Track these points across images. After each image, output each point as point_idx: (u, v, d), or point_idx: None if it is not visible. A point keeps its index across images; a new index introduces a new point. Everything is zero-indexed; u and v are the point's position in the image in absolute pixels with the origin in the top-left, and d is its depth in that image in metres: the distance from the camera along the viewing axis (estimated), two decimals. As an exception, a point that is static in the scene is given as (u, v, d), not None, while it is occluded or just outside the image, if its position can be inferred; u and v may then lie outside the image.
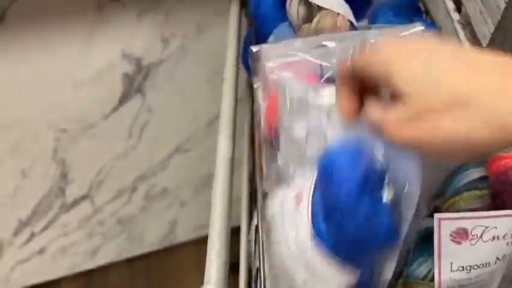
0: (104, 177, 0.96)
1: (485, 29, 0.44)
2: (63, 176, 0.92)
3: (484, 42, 0.45)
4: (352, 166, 0.26)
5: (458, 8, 0.53)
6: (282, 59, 0.39)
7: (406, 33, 0.40)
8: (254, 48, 0.40)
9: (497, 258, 0.32)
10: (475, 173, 0.34)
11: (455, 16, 0.52)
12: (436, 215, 0.31)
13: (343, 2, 0.49)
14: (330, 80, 0.40)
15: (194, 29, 0.78)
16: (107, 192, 1.00)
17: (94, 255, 1.12)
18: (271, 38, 0.50)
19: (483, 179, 0.33)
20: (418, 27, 0.40)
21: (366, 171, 0.26)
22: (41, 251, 1.05)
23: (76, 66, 0.76)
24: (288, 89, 0.33)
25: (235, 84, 0.46)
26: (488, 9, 0.44)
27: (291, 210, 0.30)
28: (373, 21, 0.49)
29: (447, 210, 0.33)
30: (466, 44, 0.48)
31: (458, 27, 0.51)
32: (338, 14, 0.47)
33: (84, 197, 0.99)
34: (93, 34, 0.73)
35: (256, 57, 0.41)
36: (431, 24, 0.52)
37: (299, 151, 0.34)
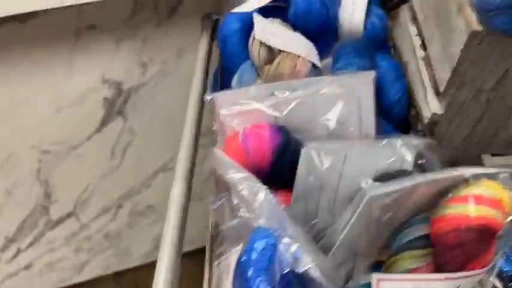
0: (88, 195, 0.97)
1: (444, 74, 0.44)
2: (47, 195, 0.93)
3: (442, 86, 0.45)
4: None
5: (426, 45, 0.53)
6: (236, 107, 0.40)
7: (359, 79, 0.40)
8: (208, 96, 0.41)
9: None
10: (417, 231, 0.34)
11: (420, 53, 0.52)
12: (374, 275, 0.32)
13: (306, 42, 0.50)
14: (283, 129, 0.40)
15: (174, 54, 0.78)
16: (92, 209, 1.01)
17: (81, 270, 1.13)
18: (235, 77, 0.51)
19: (426, 237, 0.33)
20: (370, 76, 0.40)
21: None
22: (28, 267, 1.06)
23: (57, 91, 0.77)
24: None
25: (196, 125, 0.47)
26: (446, 54, 0.44)
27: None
28: (335, 61, 0.49)
29: (389, 269, 0.33)
30: (428, 84, 0.48)
31: (422, 64, 0.51)
32: (299, 56, 0.47)
33: (69, 215, 0.99)
34: (72, 60, 0.73)
35: (212, 103, 0.41)
36: (396, 64, 0.51)
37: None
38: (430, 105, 0.47)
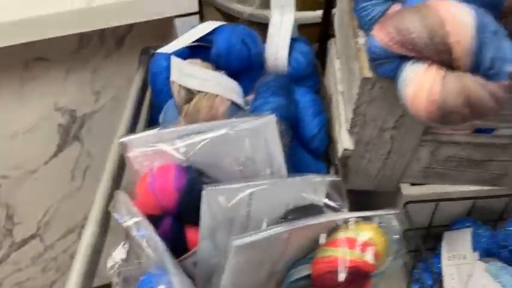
0: (51, 217, 0.99)
1: (349, 112, 0.47)
2: (9, 218, 0.95)
3: (347, 125, 0.47)
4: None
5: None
6: (144, 150, 0.42)
7: (263, 121, 0.42)
8: (122, 139, 0.43)
9: None
10: (303, 271, 0.36)
11: (340, 88, 0.54)
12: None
13: (227, 81, 0.52)
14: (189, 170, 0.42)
15: (125, 81, 0.80)
16: (56, 230, 1.02)
17: (51, 289, 1.15)
18: (161, 114, 0.53)
19: (309, 276, 0.36)
20: (273, 118, 0.42)
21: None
22: (-2, 286, 1.07)
23: (10, 119, 0.79)
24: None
25: (116, 167, 0.49)
26: (349, 94, 0.47)
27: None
28: (254, 99, 0.51)
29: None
30: (343, 120, 0.51)
31: (340, 99, 0.53)
32: (217, 95, 0.49)
33: (33, 236, 1.01)
34: (23, 90, 0.75)
35: (124, 145, 0.43)
36: (315, 99, 0.54)
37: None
38: (343, 141, 0.50)
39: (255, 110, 0.50)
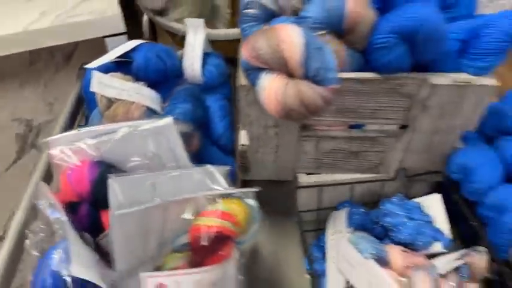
0: (15, 220, 1.07)
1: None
2: (-25, 221, 1.03)
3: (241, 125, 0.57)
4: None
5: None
6: (64, 147, 0.51)
7: (163, 122, 0.52)
8: (46, 139, 0.52)
9: (192, 303, 0.44)
10: (182, 239, 0.45)
11: (244, 95, 0.64)
12: (141, 274, 0.43)
13: (145, 90, 0.61)
14: (101, 164, 0.51)
15: (75, 93, 0.90)
16: (22, 232, 1.10)
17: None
18: (90, 119, 0.62)
19: (188, 243, 0.45)
20: (170, 120, 0.52)
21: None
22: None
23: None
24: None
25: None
26: (238, 97, 0.56)
27: None
28: (167, 105, 0.61)
29: (160, 268, 0.45)
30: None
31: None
32: (133, 102, 0.59)
33: (0, 238, 1.09)
34: (-21, 102, 0.84)
35: (47, 144, 0.52)
36: (222, 105, 0.63)
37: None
38: (241, 138, 0.60)
39: (166, 114, 0.59)
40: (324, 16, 0.49)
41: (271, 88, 0.45)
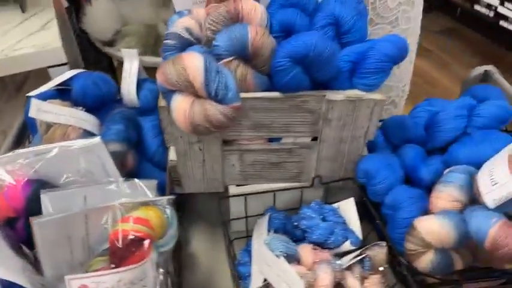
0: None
1: (167, 132, 0.63)
2: None
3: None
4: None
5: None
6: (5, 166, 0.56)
7: (92, 141, 0.58)
8: (-15, 161, 0.57)
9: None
10: (105, 244, 0.50)
11: (176, 116, 0.71)
12: (66, 277, 0.48)
13: (83, 115, 0.67)
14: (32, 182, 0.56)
15: (29, 120, 0.95)
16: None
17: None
18: (32, 143, 0.68)
19: (111, 247, 0.50)
20: (97, 140, 0.58)
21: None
22: None
23: None
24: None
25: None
26: (166, 119, 0.63)
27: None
28: (103, 127, 0.67)
29: (87, 271, 0.50)
30: (171, 139, 0.67)
31: (174, 124, 0.69)
32: (70, 125, 0.65)
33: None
34: None
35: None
36: (155, 125, 0.70)
37: None
38: (170, 154, 0.66)
39: (102, 136, 0.65)
40: (230, 44, 0.56)
41: (180, 107, 0.52)
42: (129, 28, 0.97)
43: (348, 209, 0.68)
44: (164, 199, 0.52)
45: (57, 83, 0.69)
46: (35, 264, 0.53)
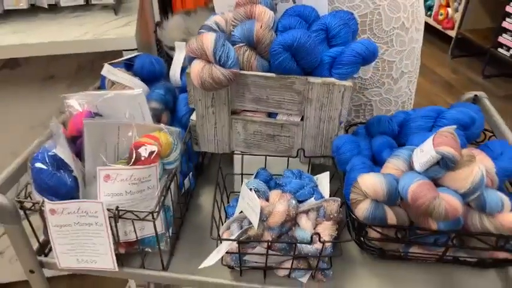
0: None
1: (191, 97, 0.85)
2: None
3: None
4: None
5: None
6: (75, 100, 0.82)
7: (135, 92, 0.81)
8: (65, 94, 0.83)
9: (126, 191, 0.69)
10: (127, 153, 0.72)
11: (204, 93, 0.93)
12: (97, 167, 0.70)
13: (135, 81, 0.92)
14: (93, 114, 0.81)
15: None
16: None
17: None
18: (100, 97, 0.93)
19: (131, 156, 0.72)
20: (139, 92, 0.81)
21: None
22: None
23: None
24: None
25: None
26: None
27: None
28: (150, 92, 0.91)
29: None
30: (195, 106, 0.88)
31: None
32: (125, 86, 0.90)
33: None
34: None
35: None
36: (186, 97, 0.93)
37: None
38: (192, 116, 0.87)
39: (147, 96, 0.89)
40: (242, 34, 0.78)
41: (195, 67, 0.74)
42: (192, 38, 1.24)
43: (324, 179, 0.83)
44: (173, 129, 0.73)
45: (125, 58, 0.96)
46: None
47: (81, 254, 0.73)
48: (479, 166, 0.64)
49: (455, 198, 0.63)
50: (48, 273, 0.83)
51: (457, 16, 3.79)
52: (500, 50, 3.30)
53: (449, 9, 3.91)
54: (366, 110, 1.04)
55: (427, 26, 4.18)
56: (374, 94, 1.01)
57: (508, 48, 3.23)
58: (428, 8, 4.12)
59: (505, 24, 3.22)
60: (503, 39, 3.26)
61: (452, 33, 3.85)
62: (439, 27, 4.00)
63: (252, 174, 0.84)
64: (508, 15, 3.19)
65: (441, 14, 3.97)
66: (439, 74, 3.56)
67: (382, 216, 0.69)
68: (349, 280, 0.76)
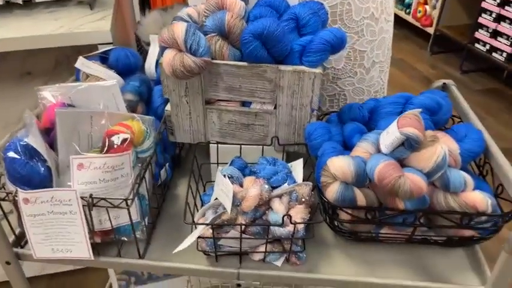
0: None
1: (165, 87, 0.86)
2: None
3: (163, 94, 0.86)
4: None
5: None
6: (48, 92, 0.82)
7: (109, 83, 0.82)
8: (40, 87, 0.83)
9: (99, 179, 0.70)
10: (101, 141, 0.73)
11: (179, 84, 0.94)
12: (70, 156, 0.70)
13: (110, 73, 0.93)
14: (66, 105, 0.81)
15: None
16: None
17: None
18: (75, 90, 0.94)
19: (105, 145, 0.72)
20: (113, 82, 0.82)
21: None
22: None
23: None
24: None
25: None
26: (166, 78, 0.86)
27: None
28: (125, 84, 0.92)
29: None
30: (170, 97, 0.89)
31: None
32: (100, 78, 0.90)
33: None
34: None
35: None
36: (160, 88, 0.94)
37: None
38: (167, 106, 0.88)
39: (121, 88, 0.90)
40: (213, 24, 0.79)
41: (167, 56, 0.75)
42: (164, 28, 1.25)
43: (297, 166, 0.85)
44: (146, 118, 0.74)
45: (100, 52, 0.96)
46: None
47: (56, 244, 0.73)
48: (442, 146, 0.67)
49: (419, 177, 0.66)
50: (28, 273, 0.83)
51: (435, 13, 3.86)
52: (477, 45, 3.37)
53: (427, 7, 3.98)
54: (340, 100, 1.06)
55: (406, 23, 4.27)
56: (347, 84, 1.04)
57: (485, 44, 3.30)
58: (407, 6, 4.19)
59: (481, 20, 3.29)
60: (480, 34, 3.33)
61: (430, 30, 3.91)
62: (417, 24, 4.07)
63: (228, 163, 0.86)
64: (484, 11, 3.26)
65: (419, 12, 4.04)
66: (418, 69, 3.62)
67: (352, 198, 0.71)
68: (323, 262, 0.78)
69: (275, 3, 0.86)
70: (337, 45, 0.79)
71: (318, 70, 0.79)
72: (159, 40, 0.77)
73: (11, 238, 0.80)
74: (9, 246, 0.78)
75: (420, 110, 0.72)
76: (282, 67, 0.79)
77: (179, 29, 0.74)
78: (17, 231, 0.81)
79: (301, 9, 0.82)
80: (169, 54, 0.75)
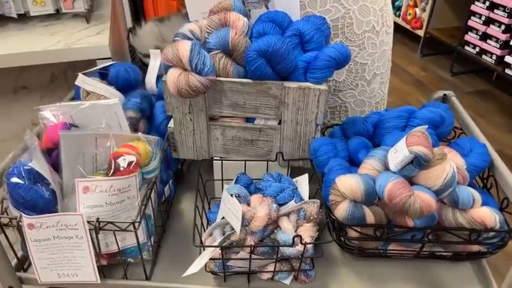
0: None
1: (168, 105, 0.85)
2: None
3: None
4: None
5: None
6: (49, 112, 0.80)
7: (112, 101, 0.81)
8: (39, 106, 0.82)
9: (106, 202, 0.68)
10: (106, 163, 0.72)
11: (181, 100, 0.93)
12: (76, 180, 0.69)
13: (111, 90, 0.92)
14: (67, 126, 0.80)
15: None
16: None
17: None
18: (75, 108, 0.92)
19: (110, 167, 0.71)
20: (116, 101, 0.81)
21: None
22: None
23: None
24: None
25: None
26: (169, 95, 0.85)
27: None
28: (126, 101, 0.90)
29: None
30: (173, 114, 0.89)
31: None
32: (101, 95, 0.89)
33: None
34: None
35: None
36: (163, 104, 0.93)
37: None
38: (170, 123, 0.87)
39: (123, 105, 0.88)
40: (217, 41, 0.79)
41: (171, 76, 0.74)
42: (165, 45, 1.24)
43: (303, 181, 0.85)
44: (152, 138, 0.73)
45: (99, 67, 0.95)
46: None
47: (61, 268, 0.72)
48: (451, 164, 0.67)
49: (429, 195, 0.66)
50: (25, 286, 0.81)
51: (425, 16, 3.89)
52: (466, 47, 3.41)
53: (417, 9, 4.01)
54: (341, 112, 1.06)
55: (397, 26, 4.28)
56: (348, 96, 1.04)
57: (474, 46, 3.34)
58: (397, 9, 4.22)
59: (470, 22, 3.33)
60: (469, 37, 3.37)
61: (420, 33, 3.95)
62: (408, 27, 4.10)
63: (232, 180, 0.85)
64: (473, 14, 3.29)
65: (409, 14, 4.07)
66: (410, 72, 3.65)
67: (361, 216, 0.70)
68: (331, 280, 0.78)
69: (278, 19, 0.85)
70: (341, 61, 0.79)
71: (324, 87, 0.78)
72: (163, 58, 0.76)
73: (14, 262, 0.78)
74: (12, 271, 0.76)
75: (426, 126, 0.72)
76: (287, 84, 0.79)
77: (184, 48, 0.73)
78: (19, 253, 0.79)
79: (304, 24, 0.82)
80: (174, 73, 0.74)
